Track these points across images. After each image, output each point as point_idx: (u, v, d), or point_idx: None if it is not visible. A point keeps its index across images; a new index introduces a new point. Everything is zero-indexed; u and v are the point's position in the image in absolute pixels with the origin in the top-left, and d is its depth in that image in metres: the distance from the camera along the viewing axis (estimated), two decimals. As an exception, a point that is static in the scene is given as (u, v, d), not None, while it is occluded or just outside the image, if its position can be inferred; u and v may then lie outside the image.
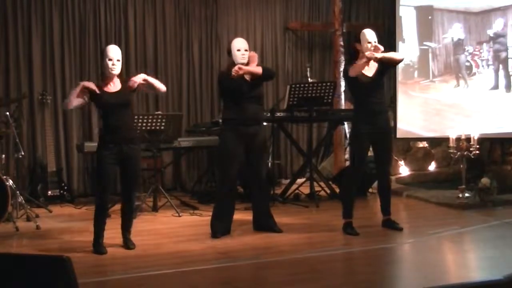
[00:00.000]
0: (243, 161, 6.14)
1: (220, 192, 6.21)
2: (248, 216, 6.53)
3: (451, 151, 7.57)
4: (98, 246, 5.52)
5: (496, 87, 8.80)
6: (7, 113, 6.99)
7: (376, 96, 6.06)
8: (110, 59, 5.41)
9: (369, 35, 6.00)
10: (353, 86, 6.15)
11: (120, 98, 5.46)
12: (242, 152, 6.05)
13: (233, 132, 6.00)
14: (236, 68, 5.91)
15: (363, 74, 5.90)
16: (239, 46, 6.07)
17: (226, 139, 6.06)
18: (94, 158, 8.40)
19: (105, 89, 5.47)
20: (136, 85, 5.54)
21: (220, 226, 6.08)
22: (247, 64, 6.05)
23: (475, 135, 7.48)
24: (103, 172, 5.49)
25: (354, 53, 6.17)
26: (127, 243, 5.65)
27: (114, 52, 5.45)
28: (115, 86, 5.49)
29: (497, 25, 8.76)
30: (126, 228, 5.73)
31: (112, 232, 6.05)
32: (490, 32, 8.78)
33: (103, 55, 5.51)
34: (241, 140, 6.01)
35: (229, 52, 6.13)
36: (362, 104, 6.12)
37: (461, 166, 7.64)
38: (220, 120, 6.24)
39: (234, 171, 6.06)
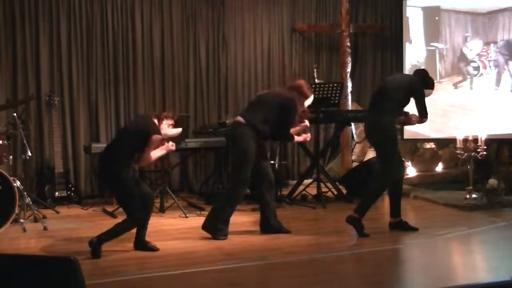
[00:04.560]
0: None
1: (240, 194, 6.21)
2: (255, 217, 6.52)
3: (459, 152, 7.55)
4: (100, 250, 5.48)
5: (503, 88, 8.78)
6: (15, 114, 7.00)
7: None
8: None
9: None
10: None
11: None
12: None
13: (254, 139, 6.05)
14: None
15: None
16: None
17: (250, 146, 6.03)
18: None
19: None
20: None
21: (227, 228, 6.08)
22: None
23: (482, 136, 7.46)
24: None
25: None
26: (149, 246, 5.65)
27: None
28: None
29: (505, 25, 8.75)
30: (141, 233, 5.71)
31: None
32: (498, 33, 8.77)
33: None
34: (255, 146, 6.07)
35: (303, 92, 6.25)
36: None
37: (469, 167, 7.62)
38: (242, 120, 6.14)
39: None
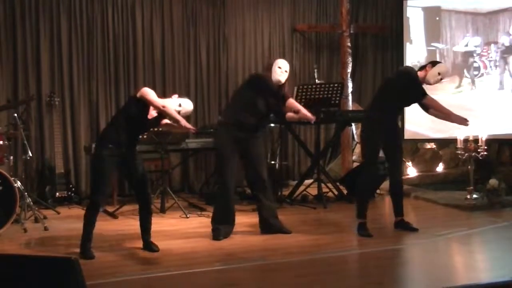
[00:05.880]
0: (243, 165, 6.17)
1: (225, 193, 6.14)
2: (255, 217, 6.52)
3: (459, 152, 7.56)
4: (87, 251, 5.42)
5: (504, 88, 8.78)
6: (15, 114, 7.00)
7: None
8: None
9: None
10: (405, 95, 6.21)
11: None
12: (236, 155, 6.06)
13: (229, 134, 6.00)
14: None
15: None
16: (281, 65, 6.14)
17: (221, 141, 6.05)
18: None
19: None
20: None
21: (224, 229, 6.09)
22: (283, 84, 6.13)
23: (483, 136, 7.46)
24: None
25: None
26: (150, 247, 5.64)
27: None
28: None
29: (505, 25, 8.75)
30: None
31: (119, 232, 6.06)
32: (499, 33, 8.77)
33: None
34: (235, 143, 6.01)
35: (269, 67, 6.15)
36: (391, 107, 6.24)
37: (469, 167, 7.62)
38: (220, 118, 6.19)
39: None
